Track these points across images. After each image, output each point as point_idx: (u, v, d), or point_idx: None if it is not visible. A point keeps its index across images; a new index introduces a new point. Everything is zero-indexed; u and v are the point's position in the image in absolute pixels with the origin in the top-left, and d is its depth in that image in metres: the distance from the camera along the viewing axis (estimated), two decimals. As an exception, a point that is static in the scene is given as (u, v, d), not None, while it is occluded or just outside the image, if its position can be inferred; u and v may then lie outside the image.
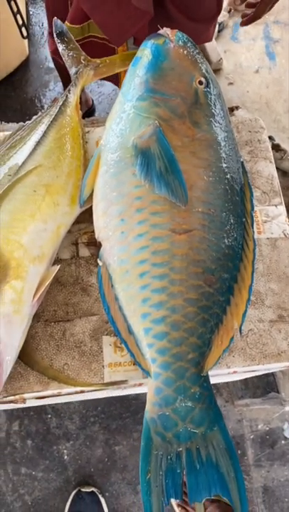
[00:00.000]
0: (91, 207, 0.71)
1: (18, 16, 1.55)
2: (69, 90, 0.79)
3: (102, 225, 0.67)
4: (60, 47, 0.84)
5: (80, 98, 1.73)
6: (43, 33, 1.94)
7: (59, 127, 0.74)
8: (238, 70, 1.75)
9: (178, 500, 1.36)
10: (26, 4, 1.92)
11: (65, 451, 1.42)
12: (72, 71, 0.82)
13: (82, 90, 0.82)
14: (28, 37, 1.67)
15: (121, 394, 1.09)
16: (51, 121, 0.74)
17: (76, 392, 0.67)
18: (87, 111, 1.78)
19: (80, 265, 0.73)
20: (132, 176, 0.66)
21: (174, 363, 0.60)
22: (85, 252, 0.74)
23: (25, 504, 1.37)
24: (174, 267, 0.62)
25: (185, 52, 0.70)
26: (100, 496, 1.35)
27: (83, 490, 1.35)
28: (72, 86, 0.80)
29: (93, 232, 0.75)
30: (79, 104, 0.79)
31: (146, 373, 0.62)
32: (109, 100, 1.86)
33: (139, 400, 1.45)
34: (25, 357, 0.66)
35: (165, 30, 0.72)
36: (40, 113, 0.79)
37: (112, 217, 0.66)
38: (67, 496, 1.37)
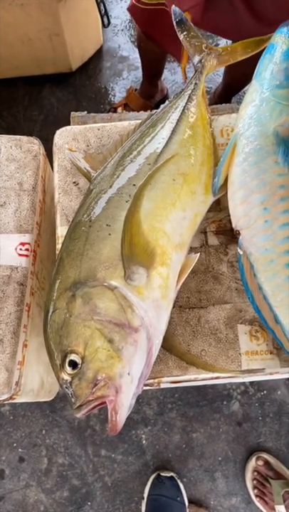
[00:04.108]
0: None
1: (101, 5, 1.55)
2: (195, 78, 0.79)
3: (241, 214, 0.67)
4: (181, 35, 0.84)
5: (156, 87, 1.74)
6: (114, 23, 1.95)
7: (190, 116, 0.75)
8: None
9: (255, 491, 1.37)
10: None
11: (143, 435, 1.45)
12: (195, 60, 0.82)
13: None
14: (109, 26, 1.68)
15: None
16: (183, 110, 0.75)
17: (211, 378, 0.68)
18: (162, 99, 1.78)
19: (209, 253, 0.74)
20: (274, 164, 0.66)
21: None
22: (214, 240, 0.75)
23: (105, 485, 1.41)
24: None
25: None
26: (178, 481, 1.37)
27: (163, 474, 1.37)
28: (198, 74, 0.80)
29: (221, 220, 0.76)
30: (205, 93, 0.79)
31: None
32: (182, 89, 1.85)
33: (216, 389, 1.46)
34: (164, 341, 0.67)
35: (302, 16, 0.71)
36: (167, 101, 0.79)
37: (253, 206, 0.66)
38: (146, 479, 1.40)
